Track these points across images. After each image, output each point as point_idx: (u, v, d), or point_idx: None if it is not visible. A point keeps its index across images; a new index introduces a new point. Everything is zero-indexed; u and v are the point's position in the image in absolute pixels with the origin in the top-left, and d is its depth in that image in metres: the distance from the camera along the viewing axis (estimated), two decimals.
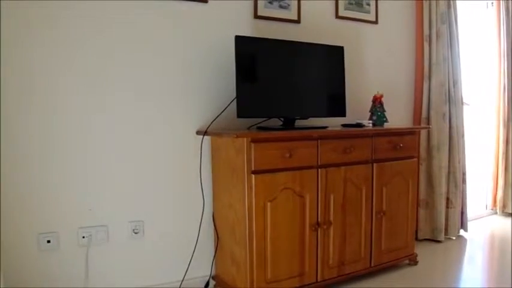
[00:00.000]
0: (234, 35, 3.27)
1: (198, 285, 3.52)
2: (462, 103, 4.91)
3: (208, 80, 3.48)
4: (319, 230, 3.33)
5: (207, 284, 3.54)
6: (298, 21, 3.89)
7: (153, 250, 3.36)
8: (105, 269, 3.19)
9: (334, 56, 3.74)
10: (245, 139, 2.98)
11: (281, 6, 3.80)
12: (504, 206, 5.82)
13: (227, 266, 3.34)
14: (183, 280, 3.43)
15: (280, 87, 3.45)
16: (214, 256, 3.51)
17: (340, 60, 3.75)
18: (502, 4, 5.62)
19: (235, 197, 3.14)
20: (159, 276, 3.38)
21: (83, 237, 3.11)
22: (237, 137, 3.00)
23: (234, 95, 3.24)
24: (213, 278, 3.54)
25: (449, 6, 4.74)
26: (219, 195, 3.40)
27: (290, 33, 3.82)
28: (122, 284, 3.25)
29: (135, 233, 3.28)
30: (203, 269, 3.54)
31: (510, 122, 5.74)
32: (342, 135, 3.42)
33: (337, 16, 4.15)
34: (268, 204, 3.08)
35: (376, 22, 4.42)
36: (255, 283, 3.08)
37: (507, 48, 5.64)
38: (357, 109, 4.18)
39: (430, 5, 4.64)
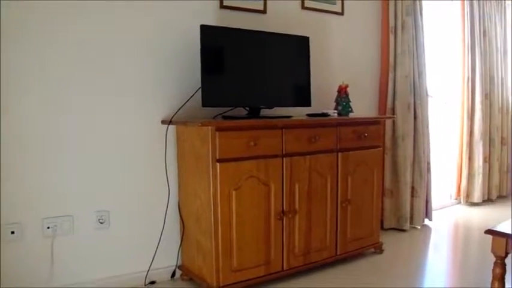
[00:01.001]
0: (200, 24, 3.26)
1: (164, 275, 3.51)
2: (427, 94, 4.98)
3: (174, 69, 3.47)
4: (284, 218, 3.35)
5: (174, 273, 3.54)
6: (264, 12, 3.90)
7: (118, 240, 3.34)
8: (70, 260, 3.16)
9: (299, 46, 3.76)
10: (210, 128, 2.99)
11: None
12: (468, 196, 5.95)
13: (193, 255, 3.34)
14: (148, 270, 3.42)
15: (246, 76, 3.46)
16: (180, 245, 3.51)
17: (306, 51, 3.78)
18: None
19: (200, 185, 3.15)
20: (125, 266, 3.36)
21: (48, 227, 3.07)
22: (202, 125, 3.01)
23: (200, 84, 3.23)
24: (179, 267, 3.54)
25: None
26: (184, 184, 3.40)
27: (256, 23, 3.83)
28: (87, 275, 3.23)
29: (101, 223, 3.26)
30: (169, 258, 3.53)
31: (474, 114, 5.84)
32: (307, 124, 3.45)
33: (303, 7, 4.17)
34: (233, 192, 3.09)
35: (342, 13, 4.46)
36: (220, 272, 3.09)
37: (471, 41, 5.74)
38: (323, 99, 4.21)
39: None
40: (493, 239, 2.74)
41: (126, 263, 3.37)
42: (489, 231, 2.74)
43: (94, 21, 3.15)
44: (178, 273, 3.55)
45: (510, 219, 2.98)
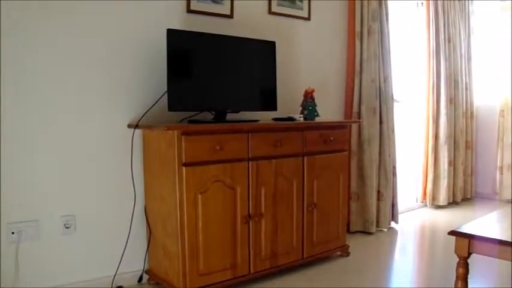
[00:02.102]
0: (166, 28, 3.27)
1: (131, 280, 3.50)
2: (392, 98, 5.05)
3: (141, 73, 3.46)
4: (250, 222, 3.36)
5: (141, 278, 3.53)
6: (231, 16, 3.91)
7: (85, 245, 3.31)
8: (36, 265, 3.13)
9: (266, 50, 3.79)
10: (175, 132, 3.00)
11: (214, 1, 3.81)
12: (434, 199, 6.04)
13: (160, 259, 3.34)
14: (115, 275, 3.39)
15: (212, 81, 3.48)
16: (147, 250, 3.50)
17: (272, 55, 3.80)
18: (431, 4, 5.80)
19: (167, 189, 3.15)
20: (91, 271, 3.34)
21: (13, 233, 3.03)
22: (168, 129, 3.02)
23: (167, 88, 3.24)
24: (147, 272, 3.52)
25: (380, 5, 4.88)
26: (150, 188, 3.40)
27: (223, 28, 3.84)
28: (53, 281, 3.19)
29: (67, 227, 3.24)
30: (136, 263, 3.52)
31: (439, 118, 5.94)
32: (272, 128, 3.48)
33: (270, 12, 4.19)
34: (200, 196, 3.10)
35: (308, 18, 4.50)
36: (187, 276, 3.09)
37: (436, 46, 5.84)
38: (289, 103, 4.24)
39: (361, 3, 4.75)
40: (456, 240, 2.80)
41: (92, 267, 3.35)
42: (452, 233, 2.81)
43: (59, 22, 3.13)
44: (145, 277, 3.54)
45: (473, 221, 3.05)
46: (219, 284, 3.25)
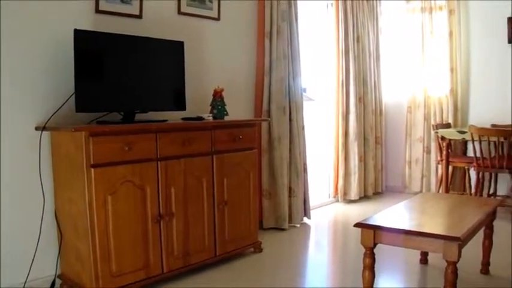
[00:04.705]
0: (74, 28, 3.23)
1: (43, 286, 3.42)
2: (301, 97, 5.17)
3: (48, 74, 3.40)
4: (161, 221, 3.39)
5: (53, 283, 3.46)
6: (140, 17, 3.91)
7: None
8: None
9: (174, 50, 3.82)
10: (83, 133, 2.99)
11: (123, 1, 3.79)
12: (345, 194, 6.22)
13: (72, 262, 3.31)
14: (26, 281, 3.31)
15: (120, 81, 3.48)
16: (59, 254, 3.44)
17: (180, 55, 3.84)
18: (341, 5, 5.98)
19: (76, 191, 3.13)
20: (1, 279, 3.26)
21: None
22: (75, 130, 3.01)
23: None
24: (59, 276, 3.47)
25: (290, 5, 5.00)
26: (60, 191, 3.36)
27: (132, 28, 3.82)
28: None
29: None
30: (48, 268, 3.45)
31: (348, 115, 6.13)
32: (181, 128, 3.52)
33: (180, 12, 4.22)
34: (109, 197, 3.10)
35: (218, 19, 4.55)
36: (100, 278, 3.09)
37: (345, 46, 6.02)
38: (199, 103, 4.27)
39: (271, 3, 4.85)
40: (362, 232, 2.94)
41: (2, 275, 3.25)
42: (358, 225, 2.95)
43: None
44: (58, 282, 3.48)
45: (378, 213, 3.20)
46: (132, 284, 3.26)
